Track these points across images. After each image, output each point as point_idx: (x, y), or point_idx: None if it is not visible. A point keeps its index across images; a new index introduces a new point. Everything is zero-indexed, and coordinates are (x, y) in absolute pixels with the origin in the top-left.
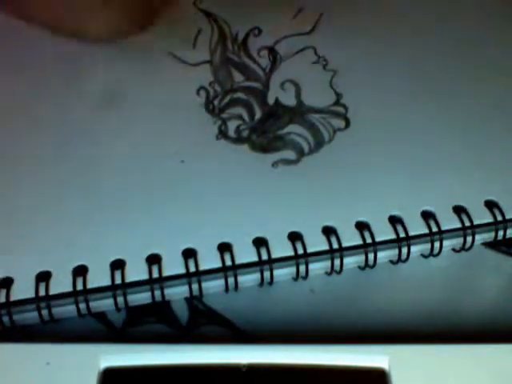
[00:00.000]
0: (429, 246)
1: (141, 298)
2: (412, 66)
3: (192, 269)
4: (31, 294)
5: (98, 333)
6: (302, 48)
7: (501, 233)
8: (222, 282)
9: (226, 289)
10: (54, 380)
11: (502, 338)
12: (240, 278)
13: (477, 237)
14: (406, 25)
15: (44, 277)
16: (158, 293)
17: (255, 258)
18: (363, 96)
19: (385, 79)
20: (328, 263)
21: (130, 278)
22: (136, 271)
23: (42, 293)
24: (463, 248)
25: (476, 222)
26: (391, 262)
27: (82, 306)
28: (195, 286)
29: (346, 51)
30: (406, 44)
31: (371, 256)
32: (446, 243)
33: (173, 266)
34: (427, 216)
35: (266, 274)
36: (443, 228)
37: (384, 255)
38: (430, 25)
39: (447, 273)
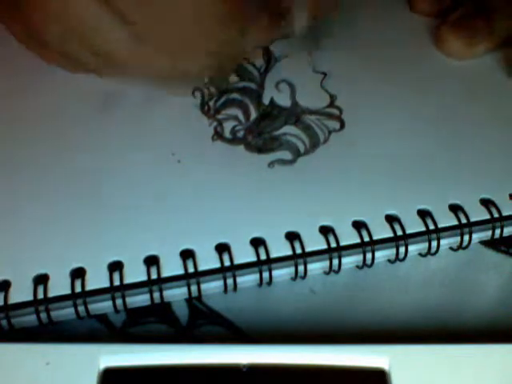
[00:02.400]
0: (426, 244)
1: (140, 299)
2: (406, 68)
3: (190, 270)
4: (29, 297)
5: (98, 333)
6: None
7: (498, 231)
8: (220, 282)
9: (225, 289)
10: (54, 380)
11: (502, 338)
12: (239, 279)
13: (474, 235)
14: (399, 26)
15: (41, 279)
16: (156, 295)
17: (253, 258)
18: (357, 98)
19: (378, 81)
20: (326, 263)
21: (128, 280)
22: (134, 273)
23: (40, 296)
24: (460, 246)
25: (472, 220)
26: (389, 261)
27: (81, 308)
28: (194, 288)
29: (340, 53)
30: (400, 45)
31: (369, 255)
32: (443, 241)
33: (171, 267)
34: (424, 214)
35: (265, 275)
36: (440, 226)
37: (382, 254)
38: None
39: (447, 273)
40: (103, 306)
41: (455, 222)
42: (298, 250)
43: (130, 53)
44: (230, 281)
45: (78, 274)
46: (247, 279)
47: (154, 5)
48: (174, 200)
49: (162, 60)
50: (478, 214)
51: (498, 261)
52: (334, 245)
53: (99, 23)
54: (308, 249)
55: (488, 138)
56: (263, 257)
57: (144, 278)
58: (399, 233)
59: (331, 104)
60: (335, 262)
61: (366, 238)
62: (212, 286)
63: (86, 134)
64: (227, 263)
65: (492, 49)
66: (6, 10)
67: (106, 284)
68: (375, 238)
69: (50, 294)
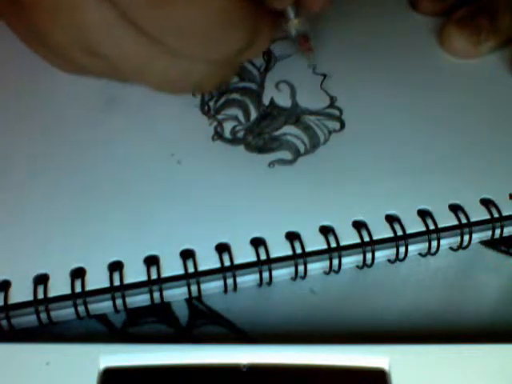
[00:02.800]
0: (426, 244)
1: (140, 300)
2: (407, 68)
3: (190, 270)
4: (29, 297)
5: (98, 333)
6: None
7: (498, 231)
8: (220, 282)
9: (225, 289)
10: (54, 380)
11: (502, 338)
12: (239, 279)
13: (474, 235)
14: (400, 25)
15: (42, 280)
16: (156, 295)
17: (253, 259)
18: (357, 99)
19: (379, 82)
20: (326, 263)
21: (128, 280)
22: (134, 273)
23: (40, 296)
24: (460, 246)
25: (473, 220)
26: (389, 261)
27: (81, 308)
28: (194, 288)
29: (339, 54)
30: (402, 45)
31: (369, 255)
32: (443, 241)
33: (171, 267)
34: (424, 214)
35: (265, 275)
36: (440, 226)
37: (382, 254)
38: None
39: (447, 273)
40: (103, 306)
41: (455, 222)
42: (298, 250)
43: (144, 59)
44: (230, 281)
45: (78, 274)
46: (247, 279)
47: (170, 10)
48: (173, 200)
49: (179, 64)
50: (478, 214)
51: (498, 261)
52: (333, 245)
53: (111, 32)
54: (308, 249)
55: (489, 138)
56: (263, 257)
57: (144, 278)
58: (399, 233)
59: (331, 105)
60: (335, 261)
61: (366, 238)
62: (212, 286)
63: (86, 133)
64: (227, 263)
65: (496, 48)
66: (9, 8)
67: (106, 284)
68: (375, 238)
69: (50, 294)
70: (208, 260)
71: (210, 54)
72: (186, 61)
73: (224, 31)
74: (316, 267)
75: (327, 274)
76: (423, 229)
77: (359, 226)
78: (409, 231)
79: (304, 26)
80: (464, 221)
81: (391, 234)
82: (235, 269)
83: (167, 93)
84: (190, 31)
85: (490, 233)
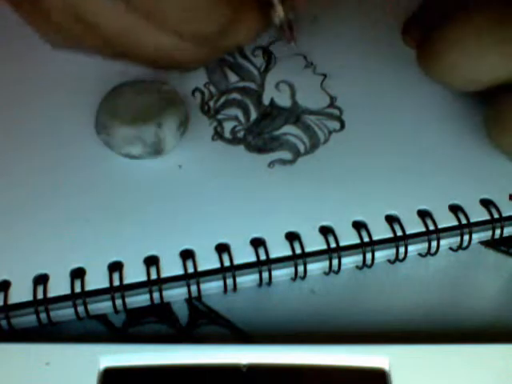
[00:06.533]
0: (426, 244)
1: (139, 300)
2: (408, 66)
3: (190, 270)
4: (29, 298)
5: (98, 333)
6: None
7: (498, 231)
8: (220, 282)
9: (225, 290)
10: (54, 380)
11: (502, 338)
12: (238, 279)
13: (474, 235)
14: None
15: (41, 280)
16: (156, 295)
17: (253, 259)
18: (357, 98)
19: (379, 81)
20: (326, 263)
21: (128, 280)
22: (134, 273)
23: (39, 296)
24: (460, 246)
25: (472, 220)
26: (389, 261)
27: (81, 309)
28: (194, 288)
29: (340, 54)
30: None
31: (369, 255)
32: (443, 242)
33: (171, 267)
34: (424, 215)
35: (265, 275)
36: (440, 226)
37: (382, 255)
38: None
39: (447, 273)
40: (103, 306)
41: (455, 223)
42: (298, 251)
43: (134, 34)
44: (229, 281)
45: (78, 274)
46: (247, 279)
47: None
48: (173, 200)
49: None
50: (478, 214)
51: (498, 261)
52: (333, 245)
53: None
54: (308, 249)
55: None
56: (263, 257)
57: (144, 278)
58: (399, 233)
59: (331, 104)
60: (335, 262)
61: (366, 239)
62: (212, 286)
63: (84, 133)
64: (227, 263)
65: None
66: None
67: (106, 284)
68: (375, 238)
69: (50, 295)
70: (208, 260)
71: (195, 31)
72: (174, 37)
73: (208, 9)
74: (316, 267)
75: (327, 274)
76: (423, 229)
77: (359, 226)
78: (409, 231)
79: (289, 12)
80: (464, 221)
81: (391, 235)
82: (235, 269)
83: (154, 68)
84: (179, 6)
85: (490, 233)
